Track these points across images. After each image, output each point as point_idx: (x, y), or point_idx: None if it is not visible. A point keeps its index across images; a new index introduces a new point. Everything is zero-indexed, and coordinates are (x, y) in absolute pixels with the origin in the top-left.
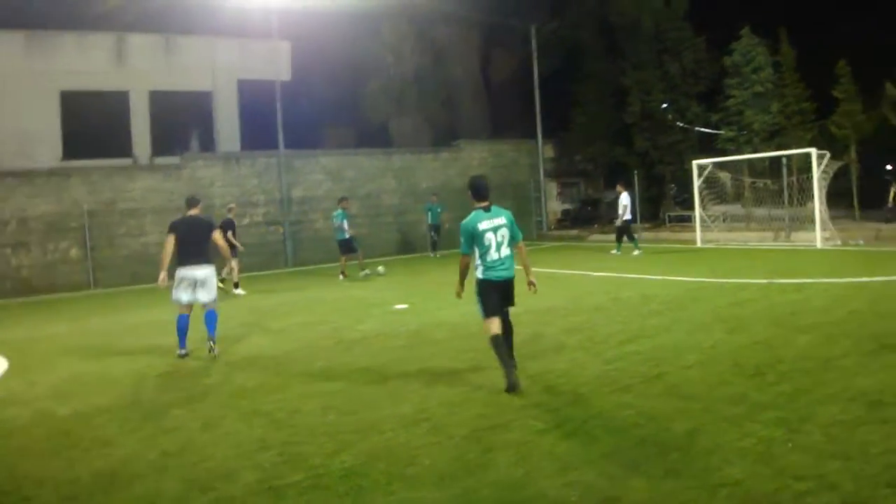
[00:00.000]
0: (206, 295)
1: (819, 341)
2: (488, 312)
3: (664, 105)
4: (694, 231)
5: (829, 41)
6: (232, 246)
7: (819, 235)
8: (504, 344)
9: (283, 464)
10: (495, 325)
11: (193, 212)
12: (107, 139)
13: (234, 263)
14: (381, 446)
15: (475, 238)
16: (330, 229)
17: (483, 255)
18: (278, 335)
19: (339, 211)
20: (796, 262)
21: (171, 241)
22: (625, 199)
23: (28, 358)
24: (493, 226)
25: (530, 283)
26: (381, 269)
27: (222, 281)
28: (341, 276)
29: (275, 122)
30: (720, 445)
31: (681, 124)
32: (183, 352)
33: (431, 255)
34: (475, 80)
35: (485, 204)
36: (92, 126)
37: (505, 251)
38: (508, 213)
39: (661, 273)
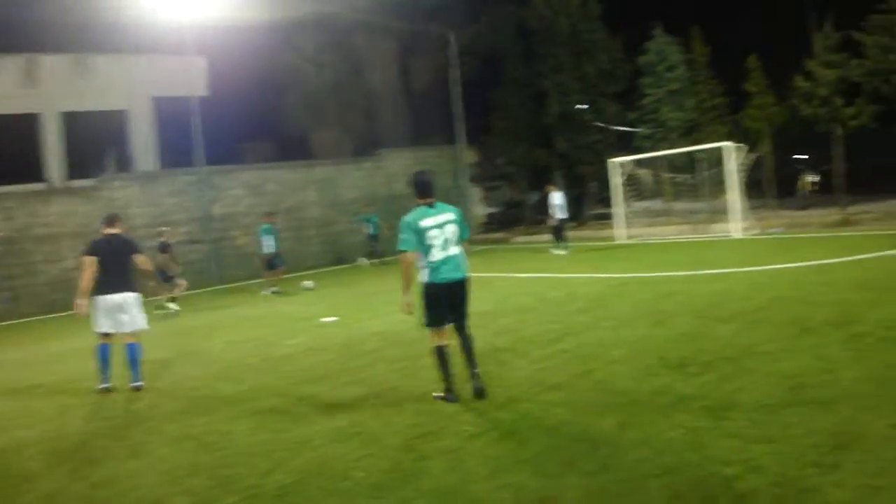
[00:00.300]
0: (129, 324)
1: (741, 329)
2: (432, 321)
3: (582, 106)
4: (616, 228)
5: (739, 37)
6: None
7: (738, 226)
8: (449, 357)
9: (215, 487)
10: (441, 336)
11: (113, 230)
12: (19, 163)
13: (180, 282)
14: (315, 462)
15: (418, 236)
16: (253, 245)
17: (427, 255)
18: (204, 356)
19: (265, 226)
20: (716, 252)
21: (90, 264)
22: (556, 198)
23: None
24: (438, 222)
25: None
26: (308, 283)
27: (173, 300)
28: (269, 292)
29: (192, 138)
30: (650, 437)
31: (599, 124)
32: (105, 386)
33: (367, 262)
34: (395, 89)
35: (429, 200)
36: (3, 151)
37: (453, 249)
38: (457, 209)
39: (585, 271)
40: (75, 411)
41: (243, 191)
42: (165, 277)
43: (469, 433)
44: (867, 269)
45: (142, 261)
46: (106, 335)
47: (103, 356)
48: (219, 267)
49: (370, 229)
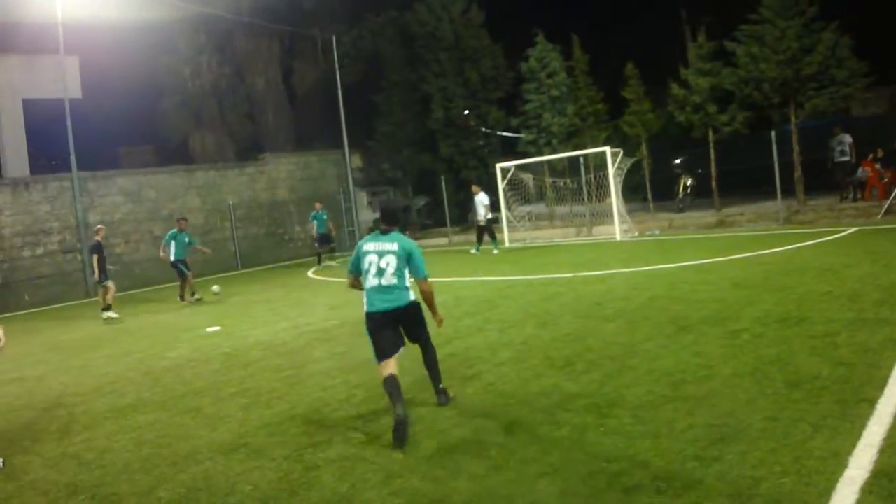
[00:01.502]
0: None
1: (623, 328)
2: (377, 353)
3: (466, 111)
4: (501, 232)
5: (617, 45)
6: (102, 269)
7: (618, 228)
8: (398, 387)
9: None
10: (387, 367)
11: None
12: None
13: (109, 284)
14: (200, 476)
15: (358, 260)
16: (133, 253)
17: (364, 281)
18: (82, 371)
19: (171, 231)
20: (598, 254)
21: None
22: (484, 198)
23: None
24: (380, 249)
25: (438, 320)
26: (216, 287)
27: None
28: (191, 298)
29: (66, 142)
30: (537, 437)
31: (483, 129)
32: None
33: (319, 266)
34: (278, 92)
35: (385, 228)
36: None
37: (388, 280)
38: (413, 244)
39: (472, 274)
40: None
41: (121, 197)
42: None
43: (359, 440)
44: (742, 268)
45: None
46: None
47: None
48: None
49: (316, 227)
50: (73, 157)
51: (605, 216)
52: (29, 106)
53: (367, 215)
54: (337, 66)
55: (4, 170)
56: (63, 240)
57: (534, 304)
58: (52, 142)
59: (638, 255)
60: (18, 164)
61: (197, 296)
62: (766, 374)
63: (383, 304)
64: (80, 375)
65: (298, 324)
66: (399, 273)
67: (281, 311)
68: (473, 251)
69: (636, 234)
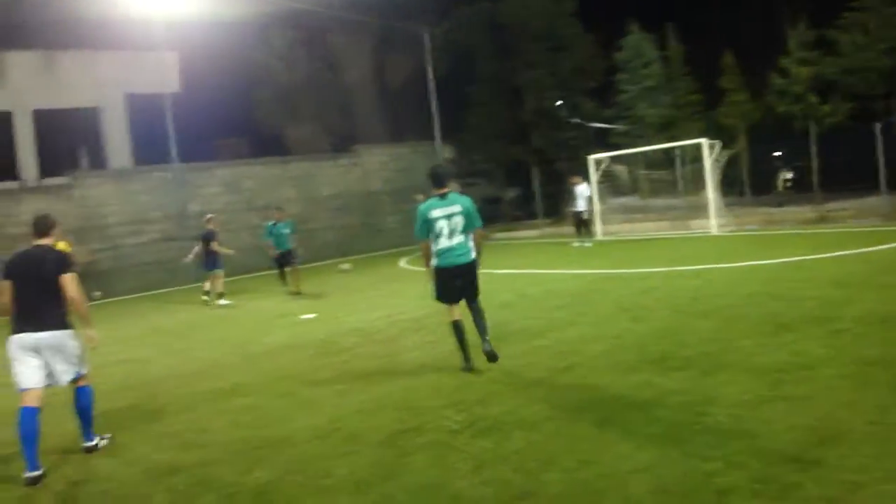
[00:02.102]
0: (65, 371)
1: (720, 325)
2: (444, 300)
3: (558, 102)
4: (595, 224)
5: (714, 35)
6: (215, 253)
7: (714, 222)
8: (463, 330)
9: (194, 485)
10: (453, 312)
11: (43, 241)
12: None
13: (219, 273)
14: (296, 459)
15: (428, 225)
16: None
17: (436, 243)
18: (183, 354)
19: (268, 224)
20: (694, 249)
21: (5, 290)
22: (585, 190)
23: None
24: (446, 213)
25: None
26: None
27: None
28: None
29: (166, 135)
30: (630, 433)
31: (575, 120)
32: (34, 475)
33: (283, 287)
34: (371, 85)
35: (441, 191)
36: None
37: (458, 238)
38: (467, 200)
39: (564, 267)
40: (52, 409)
41: (219, 188)
42: (213, 266)
43: (451, 429)
44: (844, 265)
45: (68, 282)
46: (33, 393)
47: (28, 429)
48: (195, 265)
49: (273, 242)
50: (173, 149)
51: (701, 210)
52: (131, 100)
53: None
54: (429, 58)
55: (109, 161)
56: (164, 229)
57: (627, 298)
58: (152, 134)
59: (735, 250)
60: (122, 155)
61: (297, 290)
62: (868, 375)
63: (455, 259)
64: (182, 358)
65: (391, 313)
66: (465, 231)
67: (374, 300)
68: (577, 244)
69: (733, 228)
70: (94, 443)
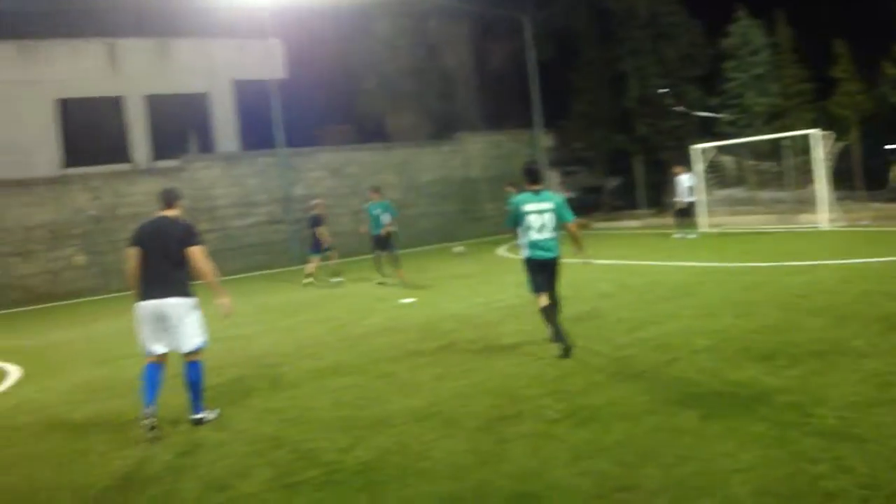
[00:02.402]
0: (185, 340)
1: (829, 324)
2: (534, 288)
3: (662, 90)
4: (699, 216)
5: (826, 21)
6: (318, 240)
7: (824, 217)
8: (552, 314)
9: (297, 460)
10: (542, 300)
11: (169, 213)
12: (105, 145)
13: (315, 258)
14: (395, 440)
15: (518, 217)
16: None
17: (526, 235)
18: (286, 332)
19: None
20: (802, 244)
21: (132, 257)
22: (685, 180)
23: (40, 365)
24: (539, 209)
25: (585, 262)
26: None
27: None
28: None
29: (272, 121)
30: (733, 430)
31: (681, 109)
32: (149, 412)
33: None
34: (471, 72)
35: (536, 187)
36: (90, 132)
37: (547, 233)
38: (559, 197)
39: (666, 259)
40: (164, 382)
41: (323, 172)
42: (318, 249)
43: (550, 418)
44: None
45: (196, 254)
46: (158, 355)
47: (151, 377)
48: (300, 247)
49: (371, 226)
50: (279, 134)
51: (810, 204)
52: (239, 86)
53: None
54: (531, 44)
55: (216, 146)
56: (270, 212)
57: (733, 293)
58: (258, 120)
59: (846, 246)
60: (229, 140)
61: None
62: None
63: (544, 253)
64: (285, 337)
65: (490, 300)
66: (555, 227)
67: (473, 287)
68: (678, 236)
69: (844, 223)
70: (201, 416)
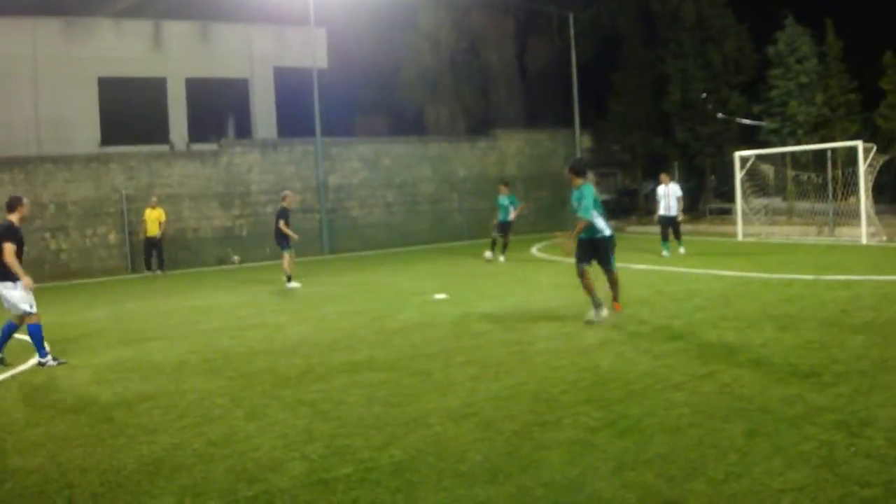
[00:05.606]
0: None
1: (874, 341)
2: (579, 260)
3: (704, 95)
4: (734, 224)
5: (876, 32)
6: (285, 236)
7: (864, 231)
8: (590, 279)
9: (331, 456)
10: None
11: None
12: (144, 125)
13: (285, 255)
14: (430, 440)
15: (596, 205)
16: (366, 217)
17: (599, 218)
18: (318, 323)
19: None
20: (842, 257)
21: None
22: (676, 190)
23: (69, 343)
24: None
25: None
26: (489, 254)
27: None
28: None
29: (310, 109)
30: (780, 448)
31: (722, 115)
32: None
33: (489, 256)
34: (511, 68)
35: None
36: (130, 112)
37: (597, 215)
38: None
39: (703, 267)
40: (192, 368)
41: (359, 163)
42: (288, 244)
43: (589, 426)
44: None
45: (7, 250)
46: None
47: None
48: (330, 237)
49: (500, 213)
50: (318, 123)
51: (850, 217)
52: (279, 73)
53: None
54: (573, 43)
55: (254, 132)
56: (304, 199)
57: (772, 305)
58: (296, 108)
59: (887, 261)
60: (267, 127)
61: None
62: None
63: (593, 232)
64: (317, 327)
65: (524, 300)
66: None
67: (506, 285)
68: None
69: (884, 238)
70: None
